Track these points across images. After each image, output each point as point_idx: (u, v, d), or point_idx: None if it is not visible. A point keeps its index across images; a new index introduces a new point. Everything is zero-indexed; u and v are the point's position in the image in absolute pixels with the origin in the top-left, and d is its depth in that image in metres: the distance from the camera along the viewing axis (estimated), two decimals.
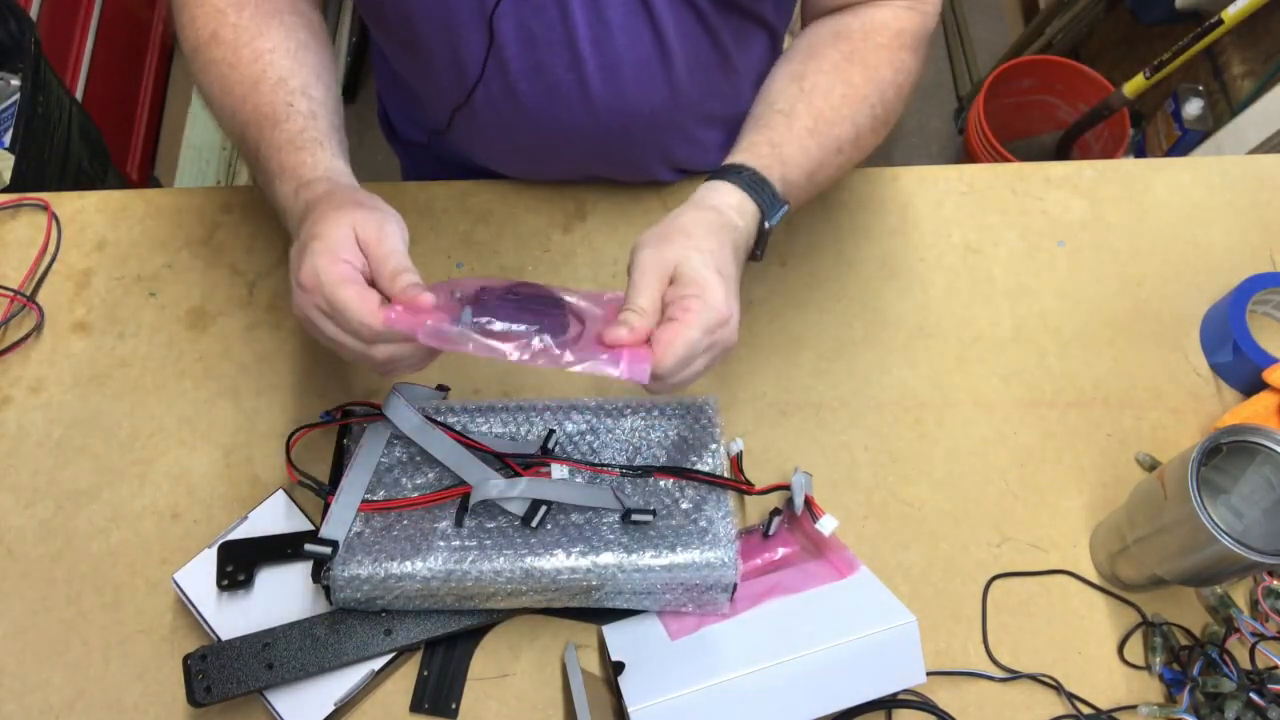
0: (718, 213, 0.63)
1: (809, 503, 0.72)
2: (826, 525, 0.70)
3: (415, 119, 0.94)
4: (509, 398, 0.79)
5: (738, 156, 0.66)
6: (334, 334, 0.58)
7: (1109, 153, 1.77)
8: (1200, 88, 1.65)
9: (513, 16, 0.69)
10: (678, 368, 0.57)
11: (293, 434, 0.71)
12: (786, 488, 0.73)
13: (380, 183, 0.90)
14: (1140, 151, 1.79)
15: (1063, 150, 1.81)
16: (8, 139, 1.28)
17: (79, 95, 1.66)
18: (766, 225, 0.65)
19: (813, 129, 0.67)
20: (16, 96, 1.31)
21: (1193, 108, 1.63)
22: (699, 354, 0.58)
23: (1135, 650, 0.73)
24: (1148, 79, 1.57)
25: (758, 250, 0.66)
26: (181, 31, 0.69)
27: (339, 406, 0.73)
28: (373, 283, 0.58)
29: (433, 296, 0.56)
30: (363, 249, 0.58)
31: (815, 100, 0.68)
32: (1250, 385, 0.81)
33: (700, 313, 0.57)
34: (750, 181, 0.64)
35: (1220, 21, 1.46)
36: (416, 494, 0.68)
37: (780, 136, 0.67)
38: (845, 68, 0.69)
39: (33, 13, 1.53)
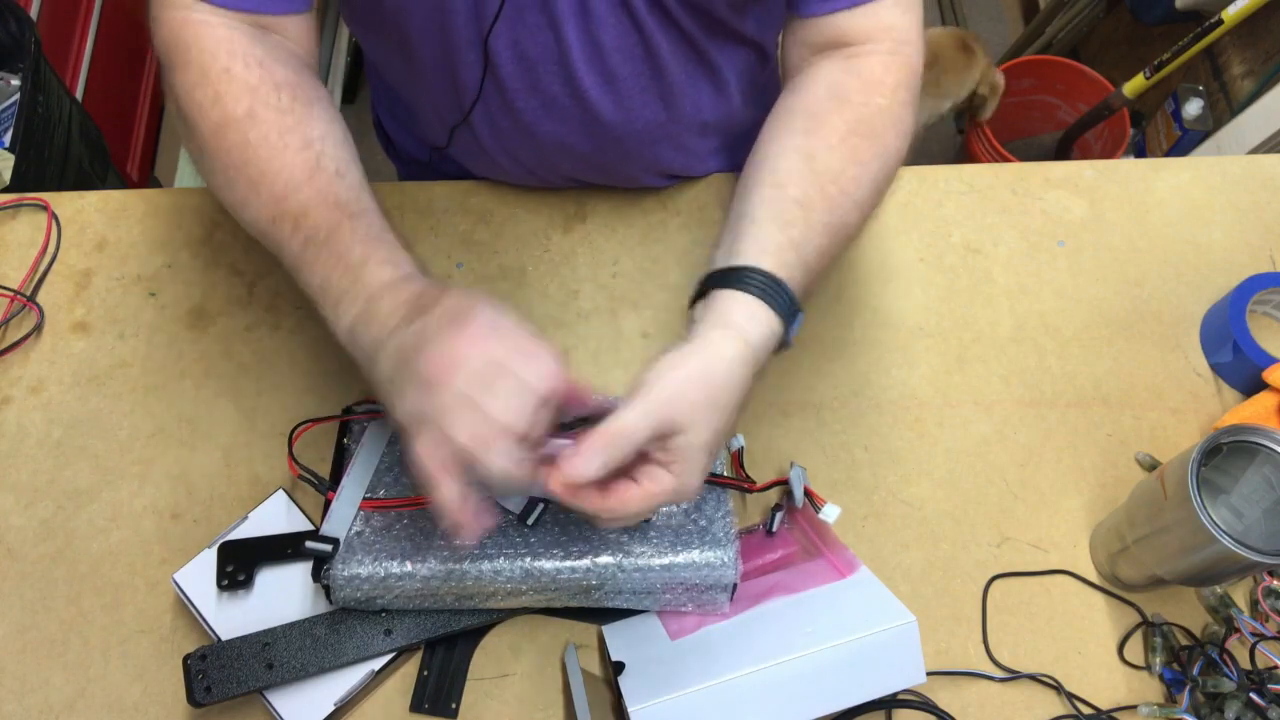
0: (753, 355, 0.57)
1: (809, 494, 0.72)
2: (829, 514, 0.70)
3: (416, 136, 0.95)
4: None
5: (764, 260, 0.59)
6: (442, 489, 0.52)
7: (1109, 153, 1.77)
8: (1200, 88, 1.65)
9: (507, 37, 0.70)
10: (620, 519, 0.55)
11: (296, 427, 0.71)
12: (785, 483, 0.73)
13: (380, 183, 0.90)
14: (1140, 151, 1.79)
15: (1063, 150, 1.82)
16: (8, 139, 1.28)
17: (79, 95, 1.66)
18: (787, 340, 0.60)
19: (828, 223, 0.62)
20: (16, 96, 1.31)
21: (1193, 108, 1.63)
22: (644, 513, 0.56)
23: (1135, 650, 0.73)
24: (1148, 79, 1.57)
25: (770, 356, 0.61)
26: (200, 108, 0.61)
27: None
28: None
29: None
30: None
31: (828, 186, 0.62)
32: (1250, 385, 0.81)
33: (668, 493, 0.54)
34: (781, 300, 0.59)
35: (1220, 21, 1.46)
36: (417, 493, 0.68)
37: (801, 235, 0.61)
38: (854, 143, 0.64)
39: (33, 13, 1.53)
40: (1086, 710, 0.71)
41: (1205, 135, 1.61)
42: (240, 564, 0.69)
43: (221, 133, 0.61)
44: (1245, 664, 0.70)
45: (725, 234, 0.63)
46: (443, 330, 0.52)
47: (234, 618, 0.68)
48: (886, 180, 0.66)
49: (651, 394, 0.53)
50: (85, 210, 0.88)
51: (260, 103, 0.61)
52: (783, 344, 0.60)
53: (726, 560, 0.66)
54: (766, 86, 0.92)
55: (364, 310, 0.56)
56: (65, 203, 0.88)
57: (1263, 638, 0.70)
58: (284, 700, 0.66)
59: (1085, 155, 1.84)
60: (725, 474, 0.71)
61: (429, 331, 0.52)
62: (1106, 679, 0.72)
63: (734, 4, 0.71)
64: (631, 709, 0.61)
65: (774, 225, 0.61)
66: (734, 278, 0.59)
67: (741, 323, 0.57)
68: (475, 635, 0.71)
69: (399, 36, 0.73)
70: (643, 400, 0.53)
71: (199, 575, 0.69)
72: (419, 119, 0.89)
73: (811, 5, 0.68)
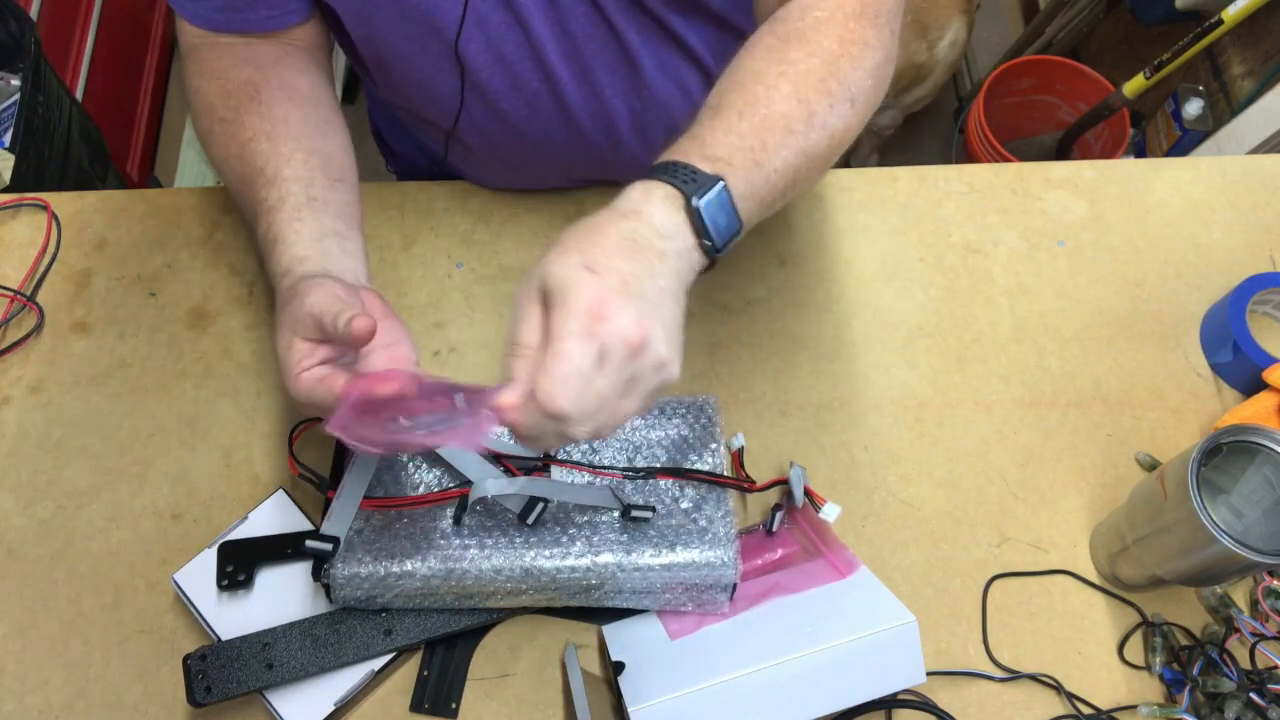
0: (622, 214, 0.51)
1: (809, 493, 0.72)
2: (830, 513, 0.70)
3: (417, 151, 0.95)
4: None
5: (663, 156, 0.55)
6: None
7: (1109, 153, 1.77)
8: (1200, 88, 1.65)
9: (479, 41, 0.70)
10: (570, 400, 0.46)
11: (296, 427, 0.71)
12: (785, 483, 0.73)
13: (380, 183, 0.91)
14: (1140, 151, 1.79)
15: (1063, 150, 1.81)
16: (8, 139, 1.28)
17: (79, 95, 1.66)
18: (695, 203, 0.51)
19: (743, 111, 0.56)
20: (16, 96, 1.31)
21: (1193, 108, 1.63)
22: (597, 373, 0.47)
23: (1135, 650, 0.73)
24: (1148, 79, 1.57)
25: (707, 241, 0.52)
26: (195, 126, 0.72)
27: None
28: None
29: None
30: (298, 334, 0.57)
31: (746, 85, 0.57)
32: (1250, 385, 0.81)
33: (565, 324, 0.46)
34: (657, 170, 0.53)
35: (1220, 21, 1.46)
36: (417, 493, 0.68)
37: (701, 130, 0.56)
38: (780, 48, 0.59)
39: (33, 13, 1.53)
40: (1086, 710, 0.71)
41: (1205, 135, 1.61)
42: (240, 564, 0.69)
43: (204, 150, 0.71)
44: (1245, 664, 0.70)
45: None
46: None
47: (234, 618, 0.68)
48: (837, 81, 0.58)
49: (536, 279, 0.49)
50: (85, 210, 0.88)
51: (212, 117, 0.69)
52: (690, 204, 0.52)
53: (726, 560, 0.66)
54: None
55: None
56: (65, 203, 0.88)
57: (1263, 638, 0.70)
58: (284, 700, 0.66)
59: (1085, 155, 1.84)
60: (725, 474, 0.71)
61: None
62: (1106, 679, 0.72)
63: None
64: (631, 709, 0.61)
65: (683, 137, 0.56)
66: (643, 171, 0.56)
67: (627, 196, 0.53)
68: (475, 635, 0.71)
69: (375, 54, 0.74)
70: (527, 289, 0.49)
71: (199, 575, 0.69)
72: (414, 135, 0.90)
73: None
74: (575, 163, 0.83)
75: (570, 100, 0.75)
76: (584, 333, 0.46)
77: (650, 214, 0.51)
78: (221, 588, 0.68)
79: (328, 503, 0.67)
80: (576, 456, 0.71)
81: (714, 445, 0.72)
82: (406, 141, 0.98)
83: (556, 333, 0.46)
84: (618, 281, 0.47)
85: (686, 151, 0.54)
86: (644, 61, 0.74)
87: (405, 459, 0.70)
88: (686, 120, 0.66)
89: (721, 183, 0.53)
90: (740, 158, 0.55)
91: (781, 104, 0.57)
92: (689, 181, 0.52)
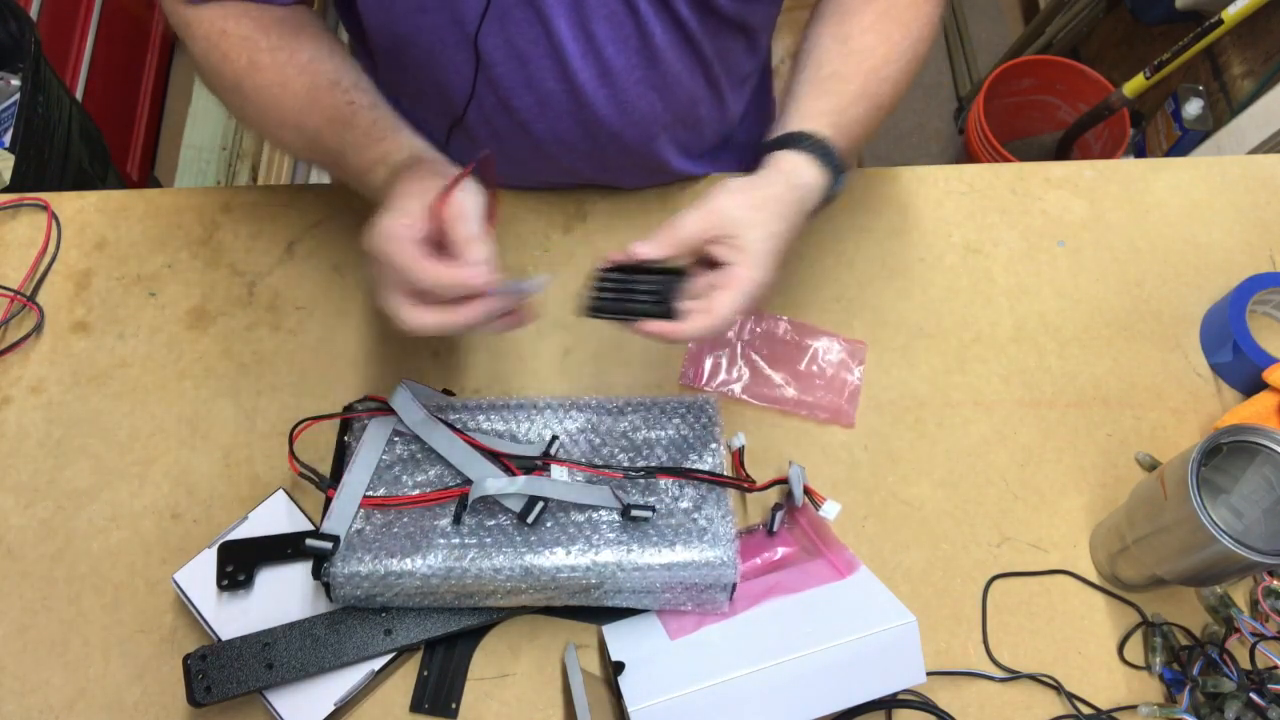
0: (796, 189, 0.66)
1: (809, 492, 0.72)
2: (830, 511, 0.70)
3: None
4: (510, 396, 0.79)
5: (805, 124, 0.69)
6: (386, 294, 0.60)
7: (1109, 153, 1.77)
8: (1200, 88, 1.65)
9: (498, 35, 0.70)
10: (725, 321, 0.62)
11: (296, 425, 0.71)
12: (785, 482, 0.73)
13: None
14: (1140, 151, 1.79)
15: (1063, 150, 1.81)
16: (8, 139, 1.28)
17: (79, 95, 1.66)
18: (834, 192, 0.69)
19: (862, 92, 0.70)
20: (16, 96, 1.31)
21: (1193, 108, 1.63)
22: (736, 317, 0.62)
23: (1135, 650, 0.73)
24: (1148, 79, 1.57)
25: (817, 211, 0.70)
26: (215, 72, 0.70)
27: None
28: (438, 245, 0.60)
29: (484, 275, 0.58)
30: (431, 216, 0.60)
31: (862, 62, 0.71)
32: (1250, 385, 0.81)
33: (745, 283, 0.61)
34: (822, 152, 0.68)
35: (1220, 21, 1.46)
36: (417, 491, 0.68)
37: (840, 103, 0.70)
38: (884, 26, 0.72)
39: (33, 13, 1.53)
40: (1086, 710, 0.71)
41: (1205, 135, 1.61)
42: (240, 564, 0.69)
43: (239, 88, 0.69)
44: (1245, 664, 0.70)
45: (780, 112, 0.73)
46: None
47: (234, 618, 0.68)
48: (916, 61, 0.74)
49: (704, 203, 0.63)
50: (85, 210, 0.88)
51: (255, 49, 0.68)
52: (829, 196, 0.69)
53: (726, 560, 0.66)
54: (759, 80, 0.92)
55: (382, 186, 0.66)
56: (65, 203, 0.88)
57: (1263, 638, 0.70)
58: (284, 700, 0.66)
59: (1085, 155, 1.84)
60: (725, 474, 0.71)
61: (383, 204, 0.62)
62: (1106, 679, 0.72)
63: None
64: (631, 709, 0.61)
65: (812, 98, 0.70)
66: (777, 142, 0.69)
67: (784, 167, 0.67)
68: (475, 635, 0.71)
69: (389, 38, 0.73)
70: (696, 207, 0.63)
71: (199, 575, 0.69)
72: (416, 122, 0.89)
73: None
74: (579, 162, 0.83)
75: (585, 100, 0.75)
76: (750, 294, 0.62)
77: (813, 205, 0.68)
78: (221, 588, 0.68)
79: (328, 501, 0.67)
80: (576, 456, 0.71)
81: (714, 445, 0.72)
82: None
83: (739, 284, 0.61)
84: (775, 267, 0.63)
85: (834, 135, 0.68)
86: (666, 62, 0.74)
87: (404, 459, 0.70)
88: (707, 112, 0.82)
89: (845, 176, 0.69)
90: (854, 145, 0.71)
91: (884, 86, 0.71)
92: (836, 175, 0.68)
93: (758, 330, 0.83)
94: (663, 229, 0.62)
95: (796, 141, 0.68)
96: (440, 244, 0.60)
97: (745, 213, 0.63)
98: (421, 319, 0.59)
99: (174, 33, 0.71)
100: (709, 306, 0.61)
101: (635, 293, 0.64)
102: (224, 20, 0.69)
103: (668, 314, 0.62)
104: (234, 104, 0.71)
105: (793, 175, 0.66)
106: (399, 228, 0.58)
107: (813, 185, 0.67)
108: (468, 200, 0.60)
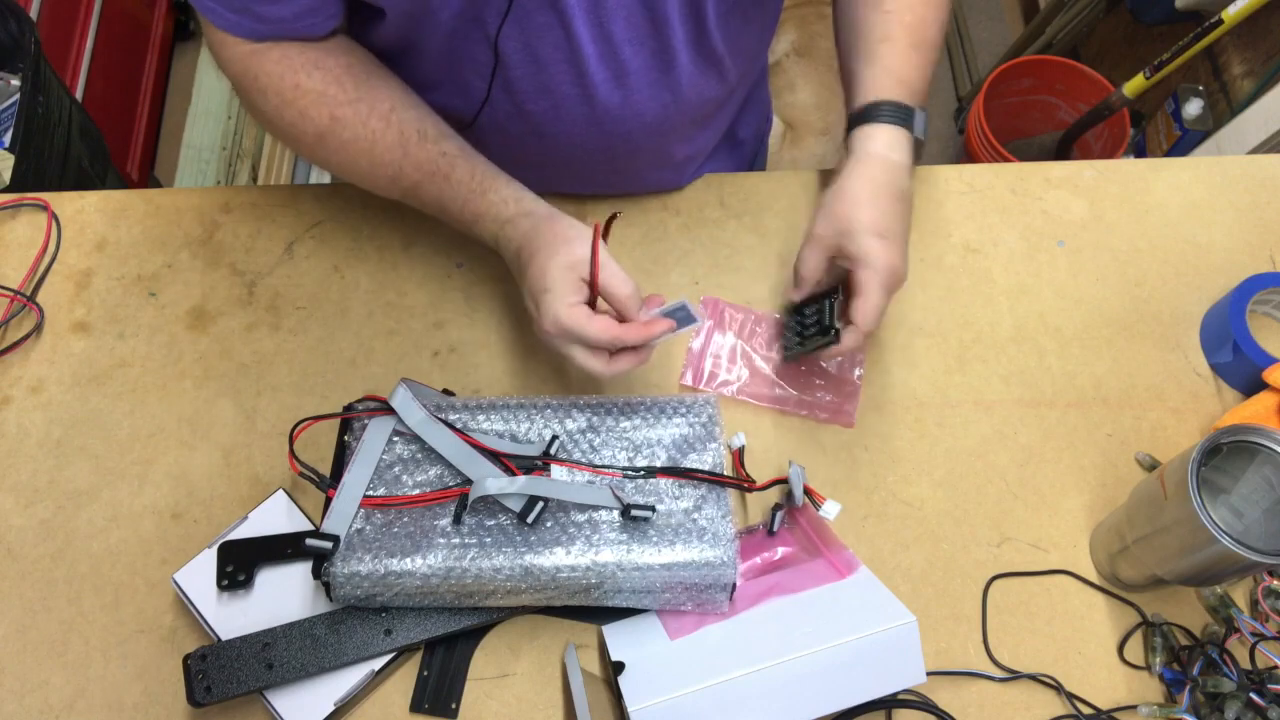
0: (888, 163, 0.72)
1: (809, 492, 0.72)
2: (830, 510, 0.70)
3: None
4: (509, 396, 0.79)
5: (869, 94, 0.74)
6: (578, 357, 0.67)
7: (1109, 153, 1.77)
8: (1200, 88, 1.65)
9: (517, 38, 0.70)
10: (875, 325, 0.70)
11: (297, 425, 0.71)
12: (785, 482, 0.73)
13: None
14: (1140, 151, 1.79)
15: (1063, 150, 1.81)
16: (8, 139, 1.28)
17: (79, 95, 1.66)
18: (920, 138, 0.75)
19: (914, 43, 0.75)
20: (16, 96, 1.31)
21: (1193, 108, 1.63)
22: (885, 307, 0.70)
23: (1135, 650, 0.73)
24: (1148, 79, 1.57)
25: (916, 157, 0.75)
26: (295, 128, 0.70)
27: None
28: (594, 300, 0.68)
29: (661, 321, 0.68)
30: (590, 282, 0.67)
31: (904, 17, 0.75)
32: (1250, 385, 0.81)
33: (878, 285, 0.69)
34: (893, 114, 0.73)
35: (1220, 21, 1.46)
36: (417, 491, 0.68)
37: (893, 63, 0.74)
38: None
39: (33, 13, 1.53)
40: (1086, 710, 0.71)
41: (1205, 135, 1.61)
42: (240, 564, 0.69)
43: (322, 144, 0.71)
44: (1245, 664, 0.70)
45: (846, 94, 0.78)
46: (538, 300, 0.68)
47: (234, 618, 0.68)
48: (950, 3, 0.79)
49: (823, 210, 0.72)
50: (85, 210, 0.88)
51: (334, 104, 0.69)
52: (919, 142, 0.75)
53: (726, 560, 0.66)
54: (758, 76, 0.93)
55: (494, 238, 0.74)
56: (65, 203, 0.88)
57: (1263, 638, 0.70)
58: (284, 700, 0.66)
59: (1085, 155, 1.84)
60: (725, 474, 0.71)
61: (532, 293, 0.69)
62: (1106, 679, 0.72)
63: None
64: (631, 709, 0.61)
65: (868, 67, 0.75)
66: (858, 118, 0.74)
67: (865, 146, 0.73)
68: (475, 635, 0.71)
69: (402, 40, 0.73)
70: (821, 216, 0.72)
71: (199, 575, 0.69)
72: None
73: None
74: (584, 165, 0.83)
75: (600, 103, 0.75)
76: (886, 288, 0.70)
77: (904, 161, 0.73)
78: (221, 588, 0.68)
79: (328, 501, 0.67)
80: (577, 456, 0.71)
81: (714, 445, 0.72)
82: None
83: (867, 290, 0.69)
84: (899, 239, 0.70)
85: (897, 92, 0.74)
86: (680, 63, 0.74)
87: (404, 458, 0.70)
88: (713, 108, 0.85)
89: (924, 113, 0.75)
90: (922, 85, 0.76)
91: (929, 30, 0.76)
92: (913, 121, 0.74)
93: (758, 330, 0.83)
94: (797, 274, 0.75)
95: (868, 115, 0.73)
96: (594, 298, 0.68)
97: (844, 223, 0.70)
98: (619, 367, 0.68)
99: (233, 85, 0.71)
100: (854, 318, 0.70)
101: (805, 327, 0.77)
102: (294, 74, 0.68)
103: (833, 336, 0.72)
104: (316, 157, 0.73)
105: (884, 149, 0.72)
106: (578, 314, 0.66)
107: (899, 146, 0.72)
108: (609, 259, 0.67)
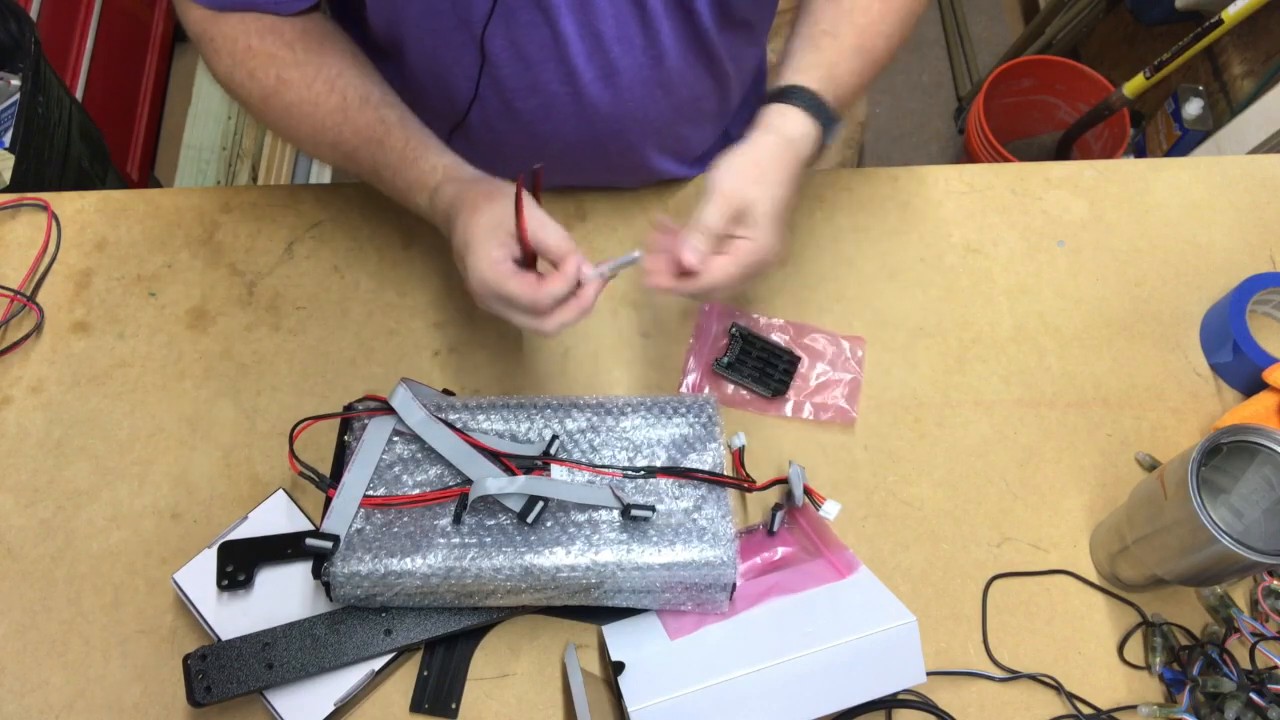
0: (791, 144, 0.68)
1: (809, 492, 0.72)
2: (830, 510, 0.70)
3: None
4: (509, 396, 0.79)
5: (796, 78, 0.70)
6: (513, 317, 0.64)
7: (1109, 153, 1.77)
8: (1200, 88, 1.65)
9: (503, 36, 0.70)
10: (713, 288, 0.65)
11: (297, 425, 0.71)
12: (785, 482, 0.73)
13: None
14: (1140, 151, 1.79)
15: (1063, 150, 1.81)
16: (8, 139, 1.28)
17: (79, 95, 1.66)
18: (827, 143, 0.72)
19: (857, 47, 0.72)
20: (16, 96, 1.31)
21: (1193, 108, 1.63)
22: (734, 283, 0.66)
23: (1135, 650, 0.73)
24: (1148, 79, 1.57)
25: (812, 162, 0.72)
26: (243, 88, 0.70)
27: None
28: (530, 258, 0.65)
29: (589, 271, 0.64)
30: (522, 243, 0.64)
31: (856, 18, 0.72)
32: (1250, 385, 0.81)
33: (749, 254, 0.65)
34: (813, 105, 0.69)
35: (1220, 21, 1.46)
36: (417, 491, 0.68)
37: (831, 57, 0.71)
38: None
39: (33, 13, 1.53)
40: (1086, 710, 0.71)
41: (1205, 135, 1.61)
42: (240, 564, 0.69)
43: (268, 105, 0.70)
44: (1245, 664, 0.70)
45: (777, 70, 0.74)
46: (462, 258, 0.66)
47: (234, 618, 0.68)
48: (912, 16, 0.75)
49: (716, 190, 0.66)
50: (85, 210, 0.88)
51: (282, 65, 0.69)
52: (821, 145, 0.71)
53: (726, 559, 0.66)
54: (755, 76, 0.92)
55: (427, 209, 0.72)
56: (65, 203, 0.88)
57: (1263, 638, 0.70)
58: (284, 700, 0.66)
59: (1085, 155, 1.84)
60: (725, 474, 0.71)
61: (458, 251, 0.67)
62: (1106, 679, 0.72)
63: None
64: (631, 709, 0.61)
65: (805, 52, 0.72)
66: (771, 95, 0.71)
67: (776, 122, 0.69)
68: (475, 635, 0.71)
69: (391, 36, 0.73)
70: (713, 198, 0.65)
71: (199, 575, 0.69)
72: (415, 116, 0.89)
73: None
74: (580, 163, 0.83)
75: (589, 102, 0.75)
76: (749, 266, 0.65)
77: (809, 154, 0.70)
78: (221, 588, 0.68)
79: (328, 501, 0.67)
80: (576, 456, 0.71)
81: (714, 445, 0.72)
82: None
83: (736, 257, 0.65)
84: (783, 222, 0.67)
85: (825, 87, 0.70)
86: (670, 59, 0.74)
87: (404, 458, 0.70)
88: (711, 107, 0.83)
89: (842, 124, 0.72)
90: (850, 97, 0.73)
91: (879, 40, 0.73)
92: (829, 125, 0.70)
93: (758, 330, 0.83)
94: (692, 232, 0.65)
95: (788, 95, 0.69)
96: (529, 256, 0.65)
97: (750, 188, 0.66)
98: (557, 321, 0.64)
99: (193, 43, 0.72)
100: (705, 267, 0.65)
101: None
102: (247, 36, 0.69)
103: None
104: (264, 119, 0.72)
105: (785, 129, 0.68)
106: (503, 272, 0.63)
107: (806, 136, 0.69)
108: (535, 210, 0.64)
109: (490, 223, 0.64)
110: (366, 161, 0.72)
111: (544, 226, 0.64)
